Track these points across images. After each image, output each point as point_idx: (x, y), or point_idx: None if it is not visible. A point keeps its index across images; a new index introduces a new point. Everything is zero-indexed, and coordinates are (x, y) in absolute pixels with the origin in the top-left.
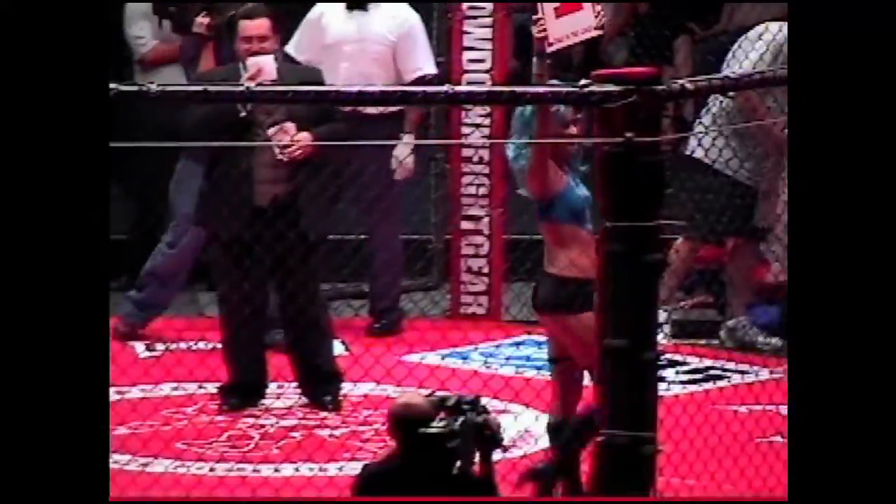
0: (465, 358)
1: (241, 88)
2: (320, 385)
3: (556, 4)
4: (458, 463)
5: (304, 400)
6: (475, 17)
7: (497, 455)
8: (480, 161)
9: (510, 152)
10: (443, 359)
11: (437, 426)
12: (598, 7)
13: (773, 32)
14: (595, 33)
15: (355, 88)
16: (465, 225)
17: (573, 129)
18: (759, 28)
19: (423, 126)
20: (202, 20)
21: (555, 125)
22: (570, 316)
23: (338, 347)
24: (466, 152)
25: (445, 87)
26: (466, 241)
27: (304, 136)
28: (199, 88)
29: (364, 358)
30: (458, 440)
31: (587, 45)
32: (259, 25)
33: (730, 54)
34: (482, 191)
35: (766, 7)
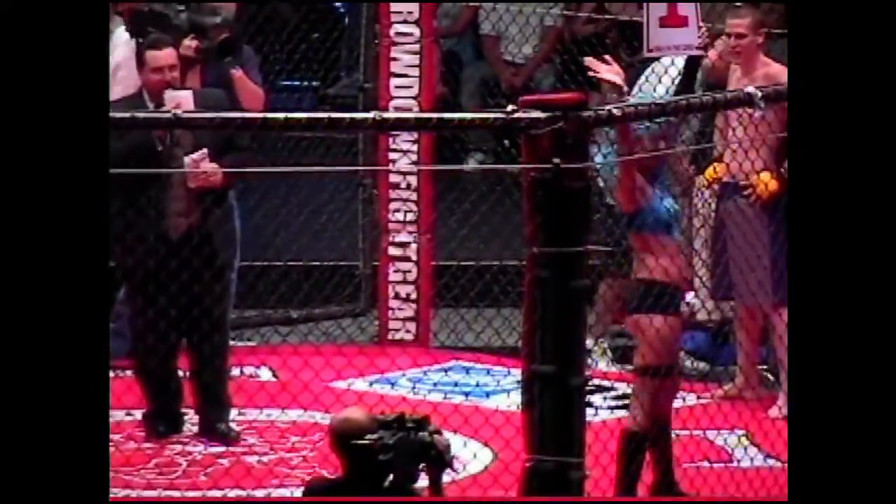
0: (392, 384)
1: (167, 115)
2: (217, 413)
3: (663, 13)
4: (391, 477)
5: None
6: (403, 44)
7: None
8: (408, 187)
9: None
10: (370, 385)
11: (369, 439)
12: (703, 28)
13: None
14: (695, 52)
15: (282, 115)
16: (393, 251)
17: (662, 144)
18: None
19: (351, 152)
20: (190, 43)
21: (633, 140)
22: (645, 316)
23: (265, 373)
24: (394, 178)
25: (373, 114)
26: (394, 267)
27: (214, 167)
28: (127, 115)
29: (292, 384)
30: (392, 454)
31: (687, 65)
32: (168, 55)
33: (641, 78)
34: (410, 217)
35: None
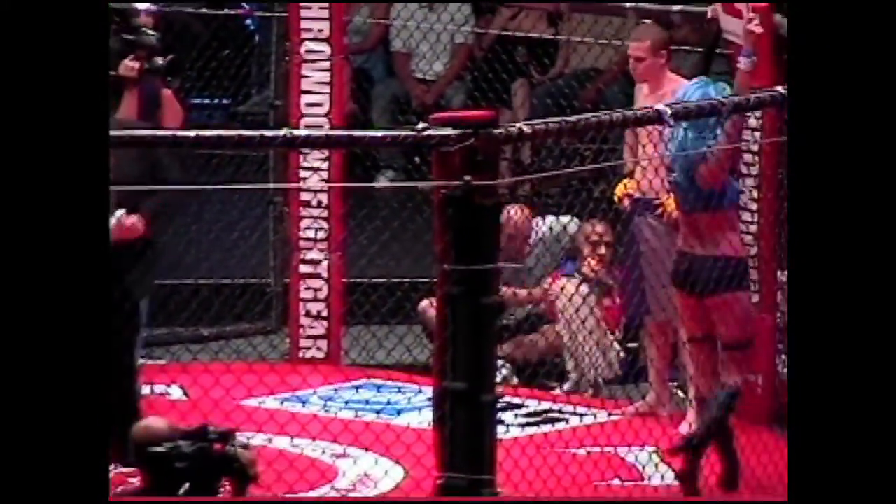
0: (304, 402)
1: None
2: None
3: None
4: (186, 486)
5: None
6: (313, 61)
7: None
8: (319, 205)
9: (677, 143)
10: (282, 403)
11: (165, 447)
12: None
13: None
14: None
15: (192, 133)
16: (304, 268)
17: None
18: None
19: (262, 169)
20: (131, 63)
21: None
22: (730, 293)
23: (176, 391)
24: (305, 196)
25: (284, 131)
26: (305, 284)
27: (135, 220)
28: None
29: (202, 402)
30: (187, 463)
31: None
32: None
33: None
34: (321, 234)
35: (603, 51)
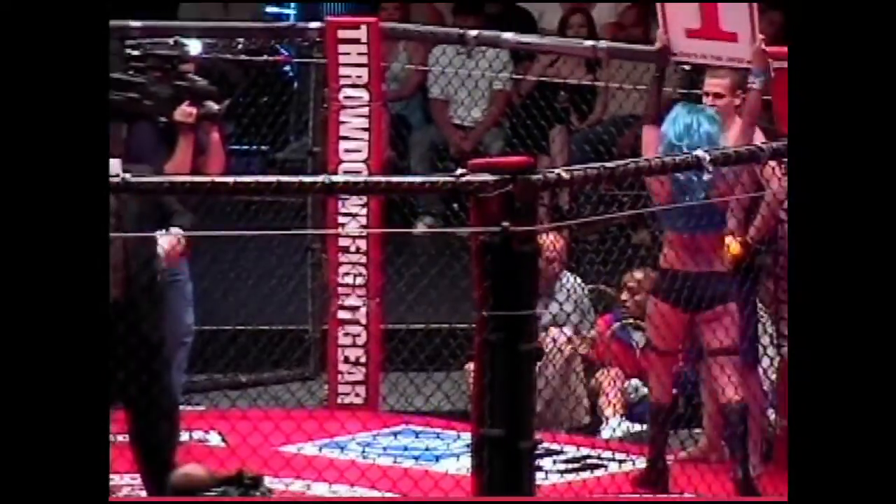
0: (342, 448)
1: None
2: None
3: (692, 25)
4: None
5: None
6: (351, 108)
7: None
8: (357, 251)
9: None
10: (320, 449)
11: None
12: (758, 40)
13: None
14: (745, 65)
15: (231, 179)
16: (342, 315)
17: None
18: None
19: (300, 215)
20: (188, 109)
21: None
22: (721, 306)
23: (215, 438)
24: (343, 242)
25: (322, 177)
26: (343, 330)
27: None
28: None
29: (241, 448)
30: None
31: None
32: None
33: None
34: (359, 280)
35: (641, 97)
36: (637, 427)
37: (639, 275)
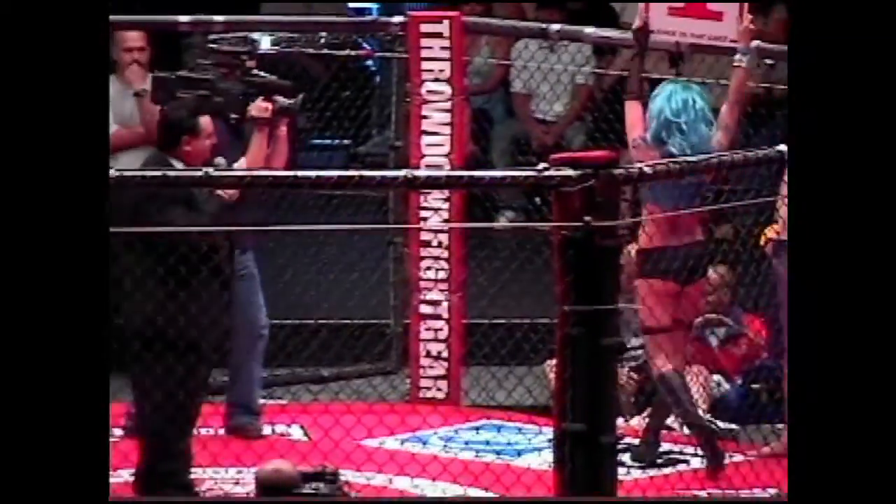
0: (424, 442)
1: (199, 173)
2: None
3: (676, 4)
4: None
5: None
6: (434, 102)
7: None
8: (439, 245)
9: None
10: (402, 443)
11: (307, 491)
12: (746, 19)
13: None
14: (728, 43)
15: (313, 173)
16: (424, 309)
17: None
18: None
19: (382, 210)
20: (264, 104)
21: None
22: (702, 278)
23: (297, 432)
24: (425, 236)
25: (404, 172)
26: (425, 325)
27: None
28: (158, 173)
29: (323, 442)
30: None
31: None
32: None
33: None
34: (441, 275)
35: (723, 91)
36: (722, 424)
37: (721, 269)
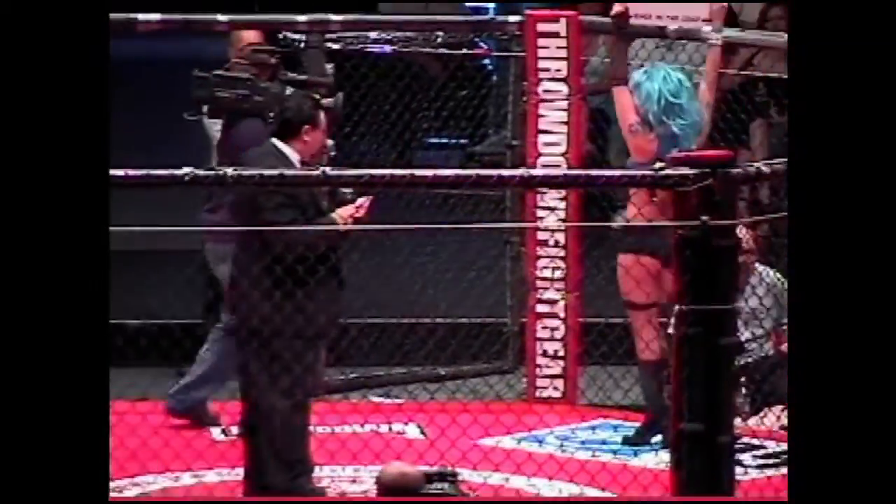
0: (540, 441)
1: (316, 172)
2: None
3: None
4: None
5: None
6: (551, 101)
7: None
8: (556, 244)
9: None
10: (518, 442)
11: (434, 491)
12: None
13: None
14: (700, 24)
15: (430, 172)
16: (541, 308)
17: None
18: None
19: (499, 209)
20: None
21: None
22: None
23: (413, 430)
24: (542, 235)
25: (521, 171)
26: (542, 324)
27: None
28: (275, 173)
29: (439, 441)
30: None
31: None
32: None
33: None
34: (558, 274)
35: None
36: None
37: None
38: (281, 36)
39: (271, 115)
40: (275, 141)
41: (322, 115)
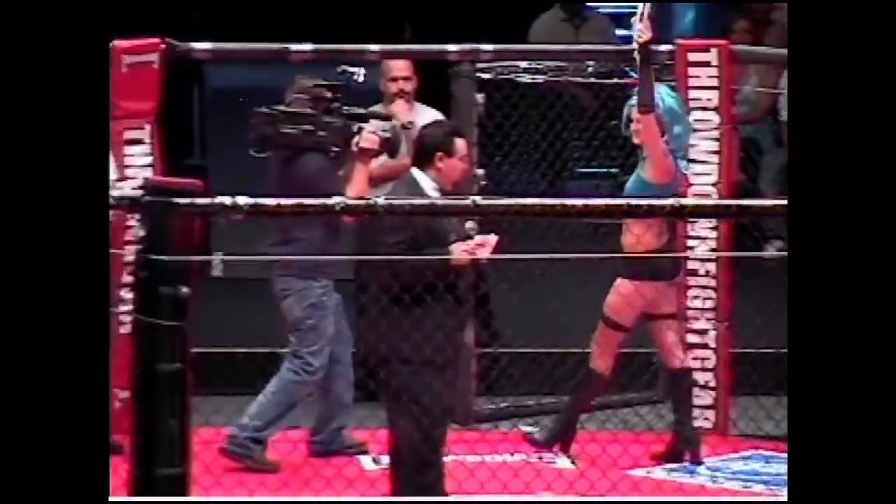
0: (691, 472)
1: (467, 202)
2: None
3: None
4: None
5: None
6: (702, 131)
7: None
8: (706, 274)
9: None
10: (669, 473)
11: None
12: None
13: None
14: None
15: (580, 202)
16: (692, 338)
17: None
18: None
19: None
20: (373, 136)
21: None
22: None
23: (563, 461)
24: (692, 265)
25: (672, 200)
26: (693, 354)
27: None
28: (425, 202)
29: (590, 471)
30: None
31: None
32: None
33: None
34: (708, 304)
35: None
36: None
37: None
38: (340, 70)
39: (335, 149)
40: (413, 170)
41: (458, 142)
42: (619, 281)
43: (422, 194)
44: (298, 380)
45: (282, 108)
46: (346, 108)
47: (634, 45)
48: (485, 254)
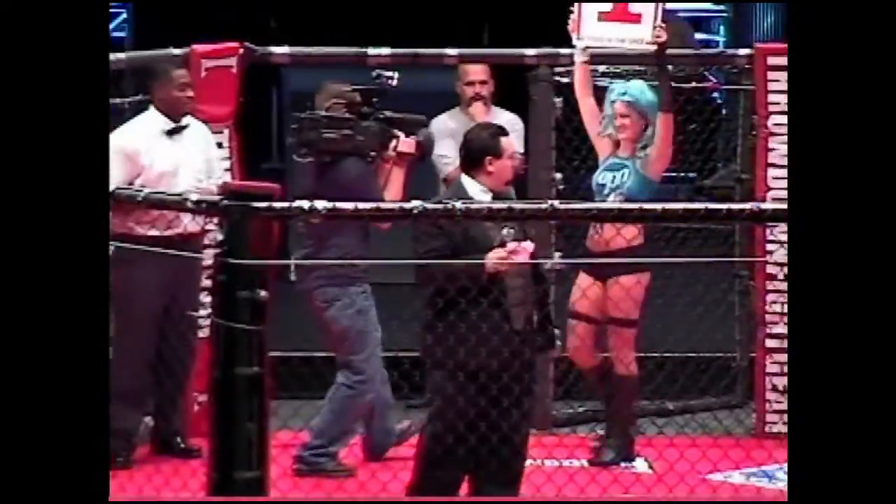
0: (770, 477)
1: (545, 205)
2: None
3: (605, 8)
4: None
5: None
6: (780, 135)
7: None
8: (785, 279)
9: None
10: (748, 478)
11: None
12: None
13: None
14: (645, 48)
15: (659, 206)
16: (770, 343)
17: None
18: None
19: (728, 243)
20: (410, 140)
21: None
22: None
23: (641, 465)
24: (771, 269)
25: (750, 205)
26: (771, 359)
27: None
28: (503, 206)
29: (668, 476)
30: None
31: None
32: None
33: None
34: (787, 308)
35: None
36: None
37: None
38: (374, 74)
39: (372, 153)
40: (463, 176)
41: (504, 142)
42: (621, 279)
43: (469, 198)
44: (353, 393)
45: (323, 112)
46: (381, 113)
47: (652, 47)
48: (520, 260)
